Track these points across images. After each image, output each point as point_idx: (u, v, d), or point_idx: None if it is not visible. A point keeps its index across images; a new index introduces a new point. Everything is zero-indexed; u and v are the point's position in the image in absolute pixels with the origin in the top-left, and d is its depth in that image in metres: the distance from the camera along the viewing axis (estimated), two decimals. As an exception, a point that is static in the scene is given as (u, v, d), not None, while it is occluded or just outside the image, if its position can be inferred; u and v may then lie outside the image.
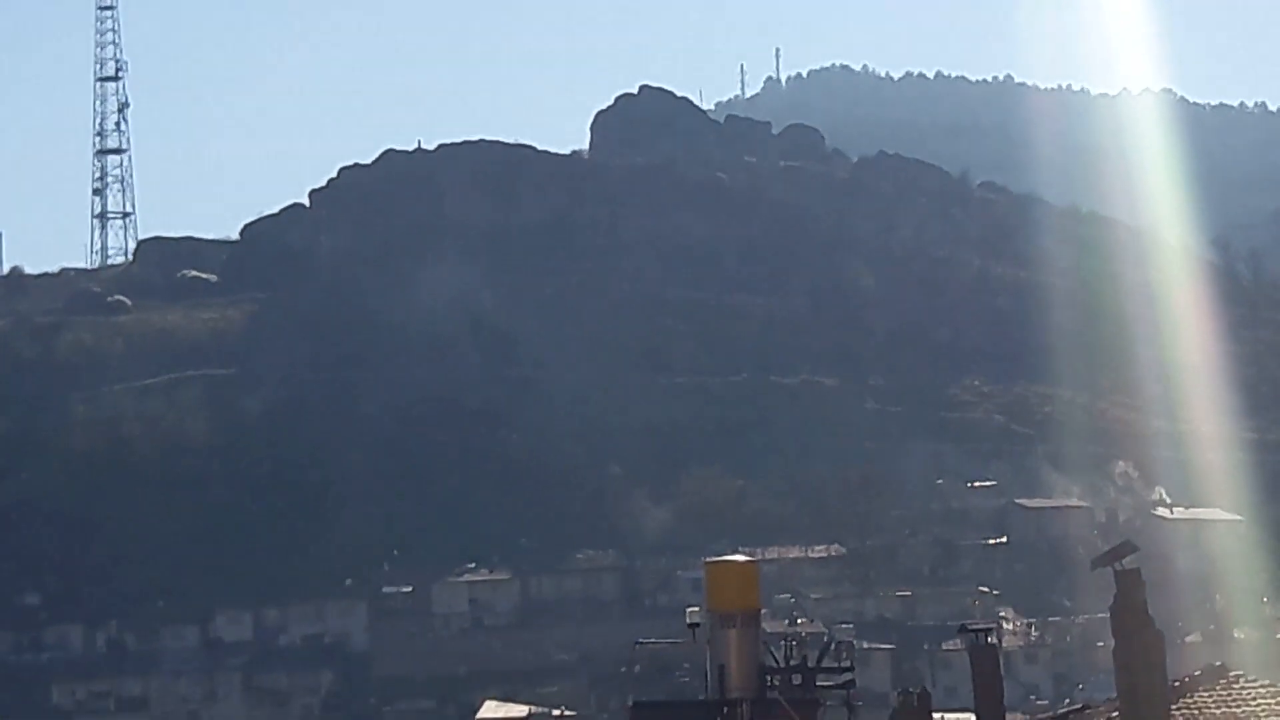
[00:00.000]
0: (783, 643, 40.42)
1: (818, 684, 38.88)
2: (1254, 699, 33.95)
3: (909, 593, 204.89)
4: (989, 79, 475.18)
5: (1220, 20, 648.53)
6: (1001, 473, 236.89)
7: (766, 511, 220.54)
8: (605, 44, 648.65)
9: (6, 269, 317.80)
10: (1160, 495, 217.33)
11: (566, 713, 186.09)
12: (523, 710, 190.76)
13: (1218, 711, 32.67)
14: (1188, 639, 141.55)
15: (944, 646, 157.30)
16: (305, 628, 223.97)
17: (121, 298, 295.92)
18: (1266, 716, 32.89)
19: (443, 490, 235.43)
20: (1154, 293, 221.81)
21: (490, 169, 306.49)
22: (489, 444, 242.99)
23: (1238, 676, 36.86)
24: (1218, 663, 39.97)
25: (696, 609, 40.42)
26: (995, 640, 37.99)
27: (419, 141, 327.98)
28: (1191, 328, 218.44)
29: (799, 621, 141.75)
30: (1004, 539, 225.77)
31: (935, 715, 39.91)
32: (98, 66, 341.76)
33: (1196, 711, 32.26)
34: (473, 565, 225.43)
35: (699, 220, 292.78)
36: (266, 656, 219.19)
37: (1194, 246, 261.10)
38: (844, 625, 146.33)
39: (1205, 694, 33.54)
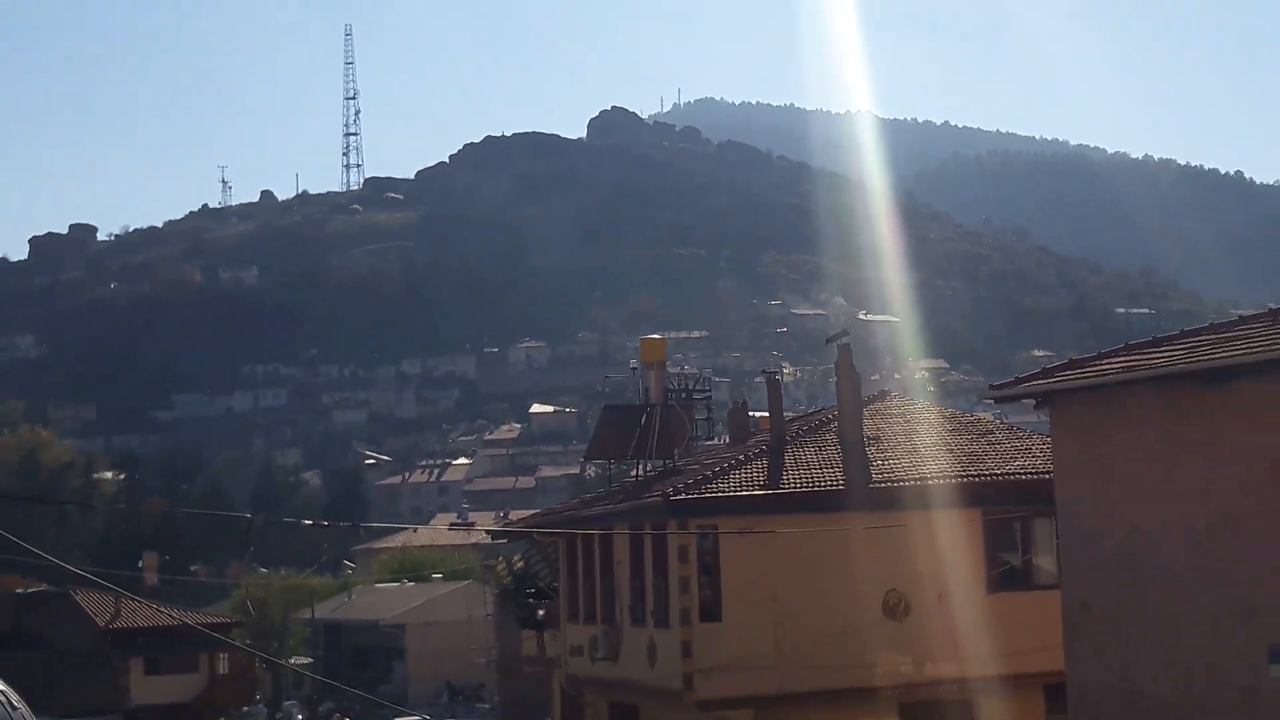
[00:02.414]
0: (678, 378, 40.03)
1: (694, 399, 38.56)
2: (899, 410, 34.09)
3: (739, 355, 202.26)
4: (783, 105, 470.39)
5: (909, 59, 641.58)
6: (787, 298, 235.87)
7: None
8: (592, 76, 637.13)
9: (300, 191, 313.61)
10: (841, 304, 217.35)
11: (569, 409, 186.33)
12: (550, 408, 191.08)
13: (883, 413, 32.78)
14: (873, 378, 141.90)
15: (755, 381, 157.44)
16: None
17: (356, 206, 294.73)
18: (906, 419, 33.02)
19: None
20: (873, 214, 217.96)
21: (524, 152, 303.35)
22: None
23: (895, 396, 37.23)
24: (886, 391, 40.29)
25: (636, 361, 40.55)
26: (780, 379, 38.07)
27: (502, 131, 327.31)
28: (884, 230, 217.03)
29: (685, 368, 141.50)
30: (785, 329, 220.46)
31: (751, 413, 39.85)
32: (345, 88, 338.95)
33: (873, 412, 32.14)
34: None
35: (643, 173, 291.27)
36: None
37: (896, 192, 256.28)
38: (707, 371, 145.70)
39: (878, 405, 33.66)
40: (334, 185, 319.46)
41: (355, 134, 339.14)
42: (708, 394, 39.65)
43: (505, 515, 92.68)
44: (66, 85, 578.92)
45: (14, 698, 49.46)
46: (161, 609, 60.38)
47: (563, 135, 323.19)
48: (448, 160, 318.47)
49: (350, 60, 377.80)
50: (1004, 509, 27.87)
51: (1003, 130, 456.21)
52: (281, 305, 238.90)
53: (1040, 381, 21.98)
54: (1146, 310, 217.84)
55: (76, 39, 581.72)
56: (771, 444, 31.00)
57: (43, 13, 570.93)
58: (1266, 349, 18.24)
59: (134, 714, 55.13)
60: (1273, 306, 21.93)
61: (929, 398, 50.42)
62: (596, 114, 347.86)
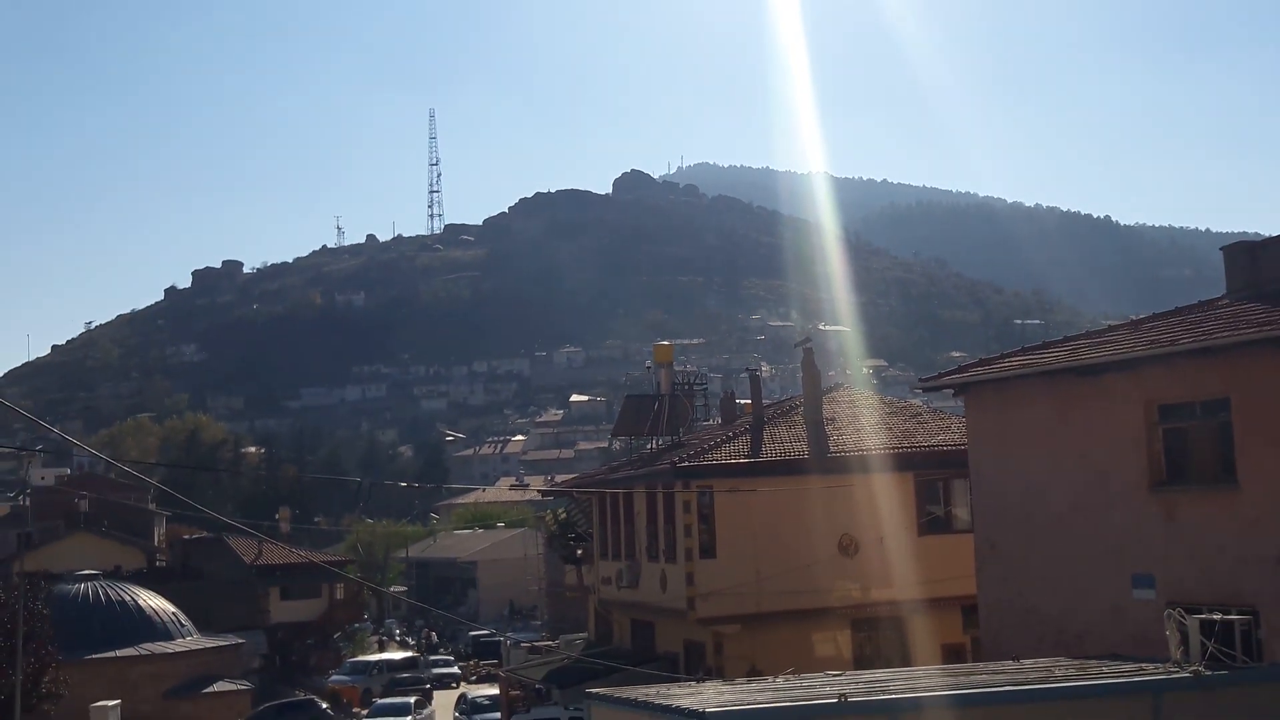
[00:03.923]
0: (681, 375, 39.64)
1: (694, 390, 37.66)
2: (849, 398, 33.88)
3: (727, 356, 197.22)
4: (760, 167, 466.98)
5: (855, 130, 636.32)
6: (763, 313, 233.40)
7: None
8: (617, 146, 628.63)
9: (396, 234, 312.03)
10: (803, 318, 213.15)
11: (600, 398, 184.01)
12: (585, 397, 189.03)
13: (837, 400, 32.61)
14: (829, 374, 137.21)
15: (740, 376, 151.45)
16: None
17: (438, 245, 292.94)
18: (854, 404, 32.85)
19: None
20: (828, 249, 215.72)
21: (565, 204, 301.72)
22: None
23: (845, 388, 37.07)
24: (839, 383, 40.04)
25: (649, 361, 40.17)
26: (759, 375, 37.76)
27: (548, 188, 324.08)
28: (836, 261, 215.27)
29: (686, 367, 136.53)
30: (762, 337, 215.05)
31: (737, 401, 39.49)
32: (430, 156, 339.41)
33: (830, 399, 31.91)
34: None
35: (654, 220, 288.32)
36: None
37: (845, 233, 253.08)
38: (703, 369, 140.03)
39: (833, 394, 33.49)
40: (421, 230, 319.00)
41: (437, 191, 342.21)
42: (704, 386, 39.66)
43: (552, 479, 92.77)
44: (221, 153, 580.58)
45: (182, 617, 49.41)
46: (293, 550, 60.35)
47: (594, 191, 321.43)
48: (507, 210, 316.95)
49: (434, 136, 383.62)
50: (930, 472, 27.83)
51: (927, 185, 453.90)
52: (382, 321, 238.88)
53: (957, 375, 21.96)
54: (1037, 321, 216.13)
55: (222, 120, 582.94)
56: (753, 424, 31.01)
57: (196, 105, 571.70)
58: (1126, 350, 18.25)
59: (273, 630, 55.18)
60: (1132, 318, 21.89)
61: (872, 389, 50.21)
62: (619, 175, 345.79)
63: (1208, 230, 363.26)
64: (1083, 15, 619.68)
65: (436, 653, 61.86)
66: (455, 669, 55.35)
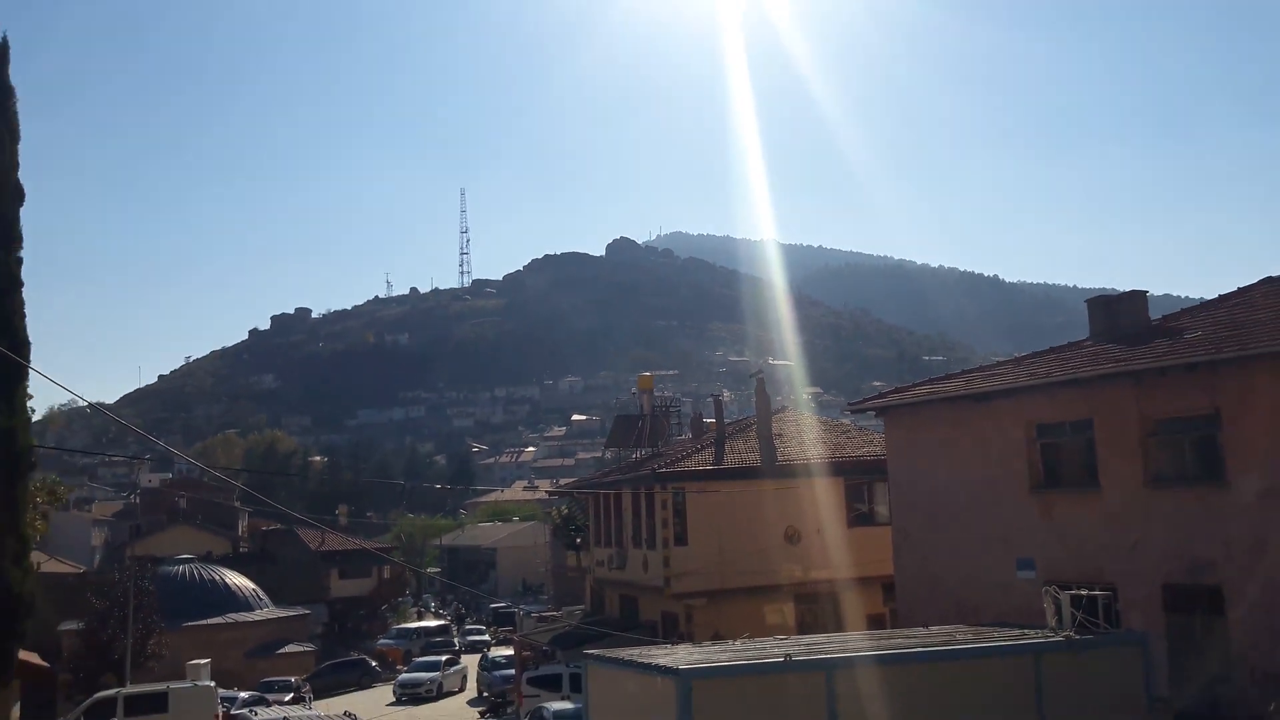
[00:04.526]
0: (660, 399, 39.18)
1: (670, 411, 37.83)
2: (793, 418, 33.53)
3: (696, 384, 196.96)
4: (723, 235, 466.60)
5: (798, 206, 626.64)
6: (725, 350, 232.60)
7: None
8: (609, 216, 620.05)
9: (433, 287, 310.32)
10: (756, 354, 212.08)
11: (595, 417, 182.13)
12: (584, 416, 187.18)
13: (783, 420, 32.31)
14: (777, 399, 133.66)
15: (706, 400, 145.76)
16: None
17: (466, 296, 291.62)
18: (797, 423, 32.60)
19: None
20: (776, 300, 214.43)
21: (568, 263, 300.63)
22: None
23: (790, 410, 36.82)
24: (785, 406, 39.76)
25: (635, 389, 39.82)
26: (721, 399, 37.45)
27: (555, 250, 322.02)
28: (783, 309, 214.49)
29: (664, 393, 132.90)
30: (724, 369, 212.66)
31: (704, 420, 38.79)
32: (461, 224, 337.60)
33: (778, 419, 31.21)
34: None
35: (639, 276, 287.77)
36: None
37: (789, 287, 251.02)
38: (678, 395, 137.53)
39: (780, 415, 33.12)
40: (454, 284, 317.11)
41: (466, 253, 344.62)
42: (678, 408, 39.48)
43: (557, 482, 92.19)
44: (297, 221, 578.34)
45: (261, 592, 48.87)
46: (349, 538, 59.93)
47: (590, 253, 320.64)
48: (521, 268, 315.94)
49: (464, 210, 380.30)
50: (857, 477, 27.80)
51: (854, 250, 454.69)
52: (422, 356, 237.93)
53: (878, 400, 22.04)
54: (940, 358, 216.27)
55: (298, 196, 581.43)
56: (716, 438, 30.93)
57: (277, 183, 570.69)
58: (1011, 381, 18.36)
59: (333, 603, 54.65)
60: (1015, 356, 22.02)
61: (811, 411, 50.04)
62: (611, 239, 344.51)
63: (1075, 286, 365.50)
64: (974, 114, 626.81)
65: (465, 623, 61.14)
66: (486, 636, 54.76)
